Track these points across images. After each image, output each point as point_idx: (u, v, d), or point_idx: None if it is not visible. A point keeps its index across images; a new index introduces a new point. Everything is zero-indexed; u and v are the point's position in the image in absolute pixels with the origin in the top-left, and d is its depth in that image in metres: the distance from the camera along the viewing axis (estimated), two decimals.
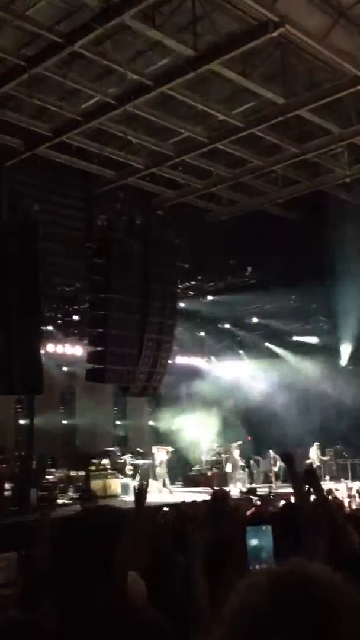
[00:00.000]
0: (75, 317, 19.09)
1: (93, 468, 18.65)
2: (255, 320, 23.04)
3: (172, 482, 20.27)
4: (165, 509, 11.50)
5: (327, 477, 20.00)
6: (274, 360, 23.58)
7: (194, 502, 8.58)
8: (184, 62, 12.28)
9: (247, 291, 20.07)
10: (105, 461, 19.35)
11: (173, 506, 12.67)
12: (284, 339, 23.85)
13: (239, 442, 21.04)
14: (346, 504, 11.14)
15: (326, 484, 15.05)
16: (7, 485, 15.16)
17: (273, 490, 16.78)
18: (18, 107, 13.96)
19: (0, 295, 15.56)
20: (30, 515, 13.19)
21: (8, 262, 15.31)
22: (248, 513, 7.10)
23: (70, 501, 16.05)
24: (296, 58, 12.68)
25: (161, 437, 22.06)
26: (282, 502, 8.48)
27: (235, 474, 20.26)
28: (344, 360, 21.92)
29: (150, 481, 20.12)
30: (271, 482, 19.31)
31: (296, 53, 12.45)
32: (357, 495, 14.61)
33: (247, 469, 21.14)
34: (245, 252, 18.69)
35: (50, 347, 18.61)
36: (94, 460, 19.12)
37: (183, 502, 9.37)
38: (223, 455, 21.25)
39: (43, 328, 17.10)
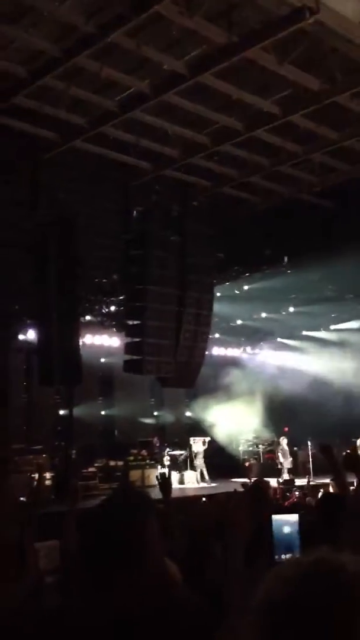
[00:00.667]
0: (113, 309, 19.24)
1: (131, 458, 18.82)
2: (292, 309, 22.88)
3: (210, 473, 20.34)
4: (203, 499, 11.55)
5: None
6: (312, 350, 23.41)
7: (235, 492, 8.61)
8: (218, 51, 12.20)
9: (283, 280, 19.94)
10: (143, 452, 19.52)
11: (211, 496, 12.73)
12: (323, 328, 23.65)
13: (286, 430, 20.99)
14: None
15: None
16: (47, 475, 15.40)
17: (311, 482, 16.72)
18: (54, 100, 14.05)
19: (40, 288, 15.79)
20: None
21: (47, 255, 15.53)
22: (286, 503, 7.10)
23: (110, 491, 16.25)
24: (332, 44, 12.49)
25: (198, 428, 22.12)
26: (321, 493, 8.45)
27: (285, 464, 20.21)
28: None
29: (188, 472, 20.25)
30: (309, 474, 19.21)
31: (332, 39, 12.25)
32: None
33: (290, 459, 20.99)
34: (281, 241, 18.54)
35: (88, 339, 18.79)
36: (133, 451, 19.29)
37: (225, 493, 9.40)
38: (270, 447, 21.23)
39: (82, 320, 17.29)
